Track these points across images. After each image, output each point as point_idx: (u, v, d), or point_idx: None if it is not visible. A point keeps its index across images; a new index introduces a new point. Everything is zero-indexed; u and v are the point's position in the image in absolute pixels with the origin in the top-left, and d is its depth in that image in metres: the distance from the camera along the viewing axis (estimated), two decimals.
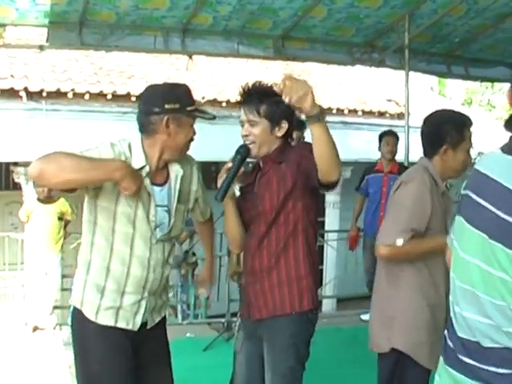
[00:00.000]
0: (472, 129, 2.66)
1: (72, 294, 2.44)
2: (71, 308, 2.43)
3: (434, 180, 2.61)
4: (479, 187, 1.65)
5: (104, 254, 2.34)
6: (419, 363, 2.57)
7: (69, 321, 2.45)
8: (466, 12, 5.60)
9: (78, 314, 2.39)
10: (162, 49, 5.72)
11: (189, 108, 2.36)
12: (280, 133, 2.53)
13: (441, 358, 1.78)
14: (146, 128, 2.35)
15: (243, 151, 2.50)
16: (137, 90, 8.88)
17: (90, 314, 2.36)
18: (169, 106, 2.31)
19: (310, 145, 2.29)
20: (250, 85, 2.54)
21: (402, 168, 5.75)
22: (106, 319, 2.36)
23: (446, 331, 1.79)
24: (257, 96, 2.51)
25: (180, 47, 5.67)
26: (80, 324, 2.40)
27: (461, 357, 1.63)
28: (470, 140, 2.63)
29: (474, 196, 1.66)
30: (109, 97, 8.74)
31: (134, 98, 8.82)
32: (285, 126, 2.53)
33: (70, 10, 4.93)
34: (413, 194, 2.57)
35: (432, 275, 2.60)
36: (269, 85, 2.54)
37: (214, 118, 2.50)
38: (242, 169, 2.53)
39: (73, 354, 2.43)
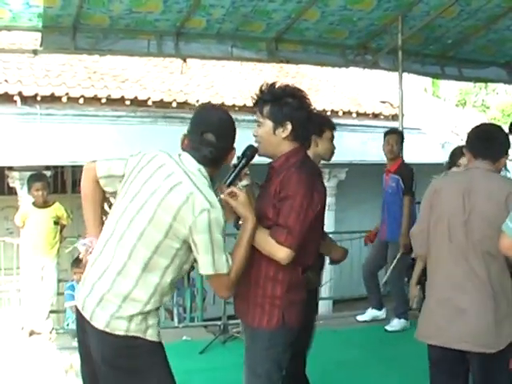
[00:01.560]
0: None
1: (130, 326, 2.23)
2: (112, 338, 2.23)
3: None
4: None
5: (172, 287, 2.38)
6: None
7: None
8: (459, 13, 5.64)
9: (133, 342, 2.25)
10: (156, 52, 5.73)
11: None
12: (284, 134, 2.51)
13: None
14: (216, 162, 2.39)
15: (250, 152, 2.50)
16: (131, 93, 8.90)
17: (153, 337, 2.30)
18: (235, 138, 2.45)
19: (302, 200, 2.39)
20: (263, 87, 2.57)
21: (401, 167, 5.47)
22: (160, 334, 2.35)
23: None
24: (263, 97, 2.55)
25: (174, 51, 5.68)
26: (135, 350, 2.27)
27: None
28: None
29: None
30: (103, 101, 8.71)
31: (128, 102, 8.82)
32: (289, 127, 2.50)
33: (63, 13, 4.94)
34: None
35: None
36: (281, 87, 2.55)
37: None
38: (246, 169, 2.51)
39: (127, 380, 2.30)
